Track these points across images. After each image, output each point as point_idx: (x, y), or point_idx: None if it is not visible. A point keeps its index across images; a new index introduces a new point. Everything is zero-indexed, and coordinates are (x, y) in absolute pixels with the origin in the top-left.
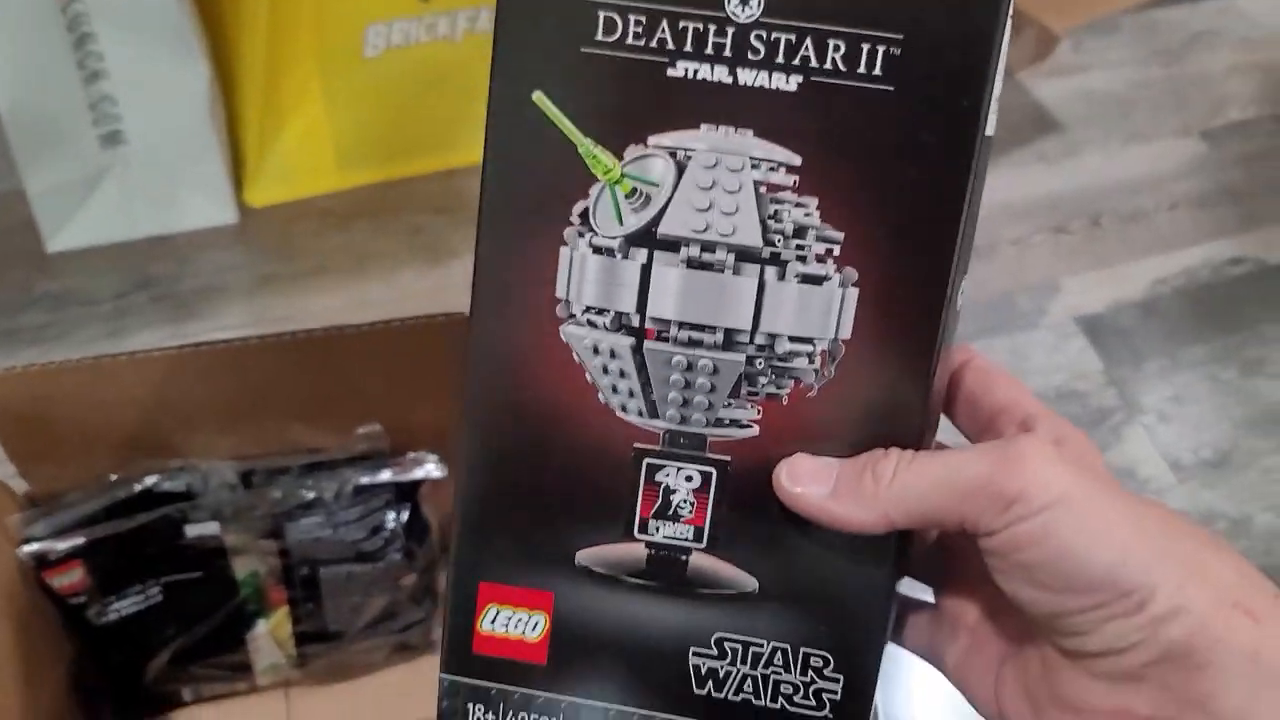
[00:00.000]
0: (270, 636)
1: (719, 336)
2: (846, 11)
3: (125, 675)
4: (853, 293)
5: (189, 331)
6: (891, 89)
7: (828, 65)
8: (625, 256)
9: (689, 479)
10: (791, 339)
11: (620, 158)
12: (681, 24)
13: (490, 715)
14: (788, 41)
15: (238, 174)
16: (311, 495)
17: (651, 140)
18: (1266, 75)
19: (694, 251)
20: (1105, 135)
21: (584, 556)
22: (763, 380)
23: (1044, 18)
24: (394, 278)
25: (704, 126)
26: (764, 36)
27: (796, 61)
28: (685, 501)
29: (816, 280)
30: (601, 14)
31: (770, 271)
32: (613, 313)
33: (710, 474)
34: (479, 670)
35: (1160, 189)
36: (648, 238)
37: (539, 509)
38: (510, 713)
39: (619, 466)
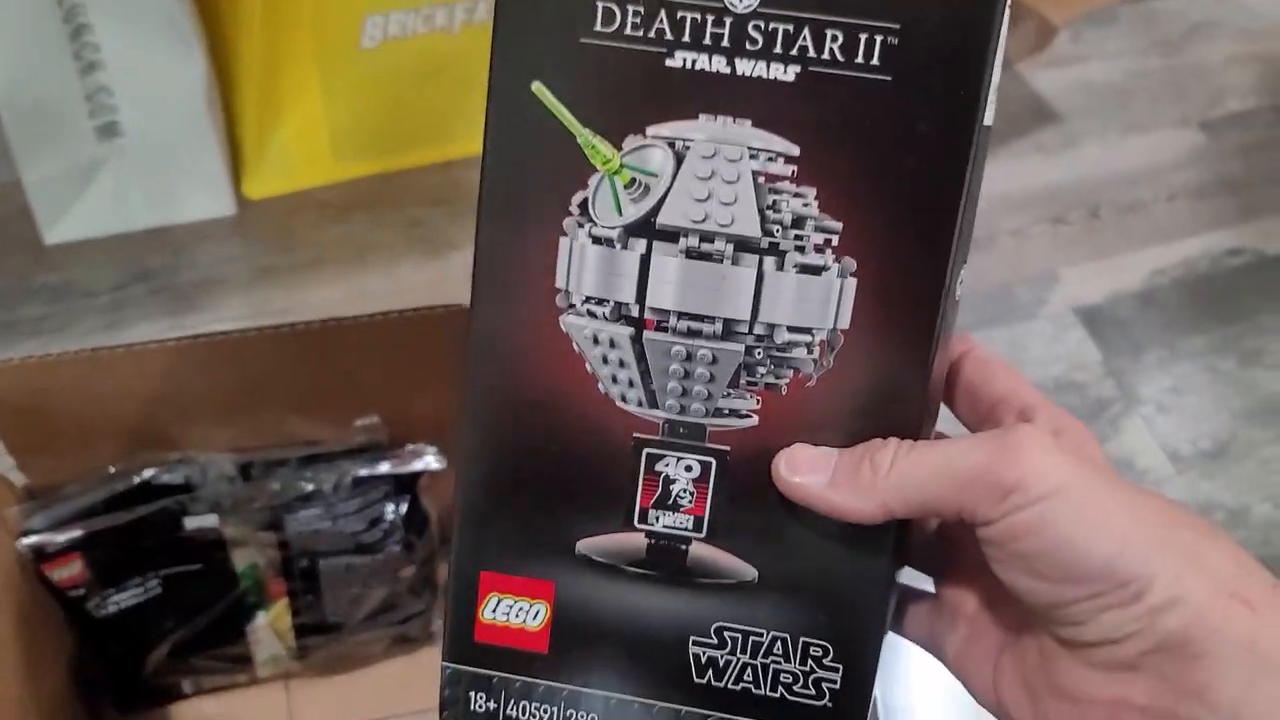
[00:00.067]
0: (270, 628)
1: (718, 326)
2: (844, 1)
3: (125, 668)
4: (851, 283)
5: (187, 324)
6: (889, 79)
7: (825, 55)
8: (624, 247)
9: (689, 469)
10: (790, 329)
11: (619, 148)
12: (680, 14)
13: (491, 703)
14: (785, 31)
15: (235, 166)
16: (310, 487)
17: (650, 130)
18: (1265, 66)
19: (693, 242)
20: (1104, 126)
21: (584, 546)
22: (762, 370)
23: (1042, 8)
24: (393, 270)
25: (702, 117)
26: (762, 26)
27: (794, 51)
28: (685, 491)
29: (815, 270)
30: (600, 4)
31: (769, 261)
32: (612, 303)
33: (710, 464)
34: (480, 658)
35: (1159, 180)
36: (647, 228)
37: (539, 498)
38: (511, 701)
39: (619, 456)
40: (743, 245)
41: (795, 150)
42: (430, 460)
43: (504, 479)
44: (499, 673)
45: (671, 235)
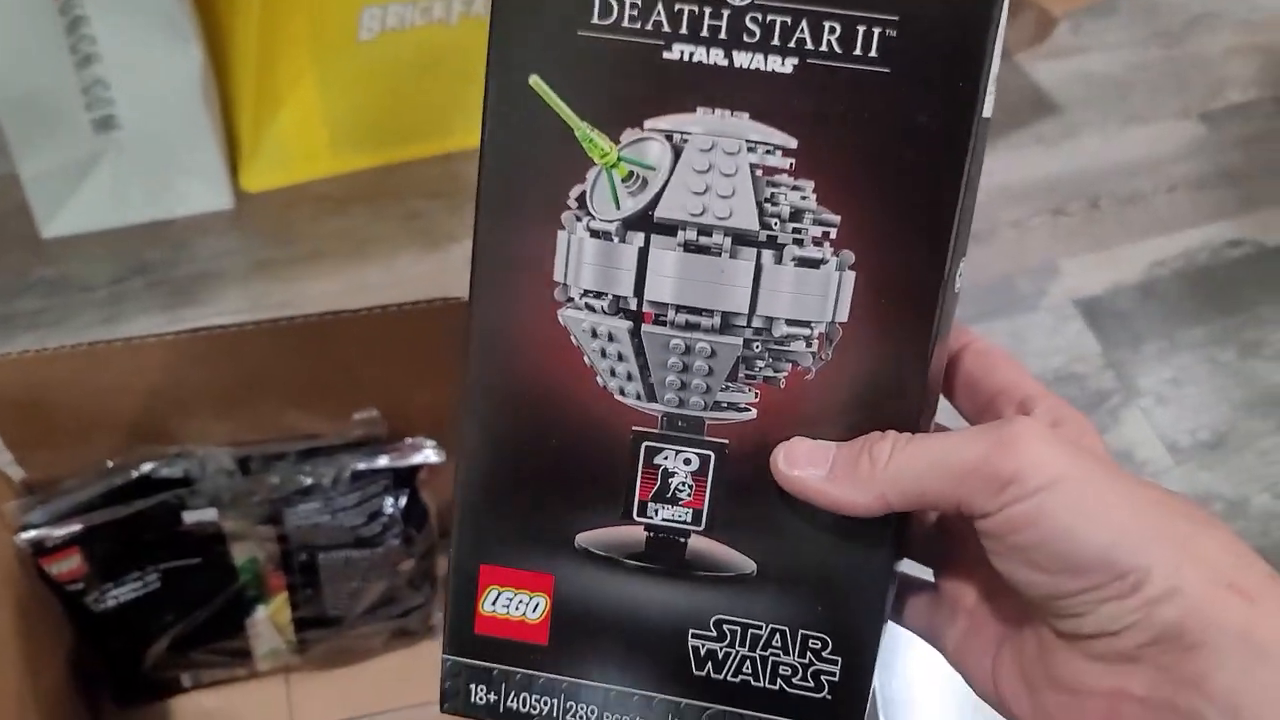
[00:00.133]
0: (270, 622)
1: (716, 320)
2: None
3: (125, 662)
4: (850, 276)
5: (185, 317)
6: (888, 71)
7: (823, 47)
8: (622, 240)
9: (687, 462)
10: (789, 322)
11: (617, 141)
12: (677, 6)
13: (492, 695)
14: (783, 23)
15: (233, 159)
16: (309, 481)
17: (648, 124)
18: (1266, 57)
19: (691, 235)
20: (1104, 117)
21: (584, 539)
22: (760, 363)
23: None
24: (391, 262)
25: (700, 109)
26: (759, 19)
27: (792, 44)
28: (684, 484)
29: (813, 263)
30: None
31: (767, 255)
32: (610, 296)
33: (708, 457)
34: (480, 651)
35: (1159, 171)
36: (645, 221)
37: (539, 492)
38: (511, 693)
39: (618, 449)
40: (741, 238)
41: (793, 143)
42: (429, 454)
43: (503, 473)
44: (499, 665)
45: (669, 228)
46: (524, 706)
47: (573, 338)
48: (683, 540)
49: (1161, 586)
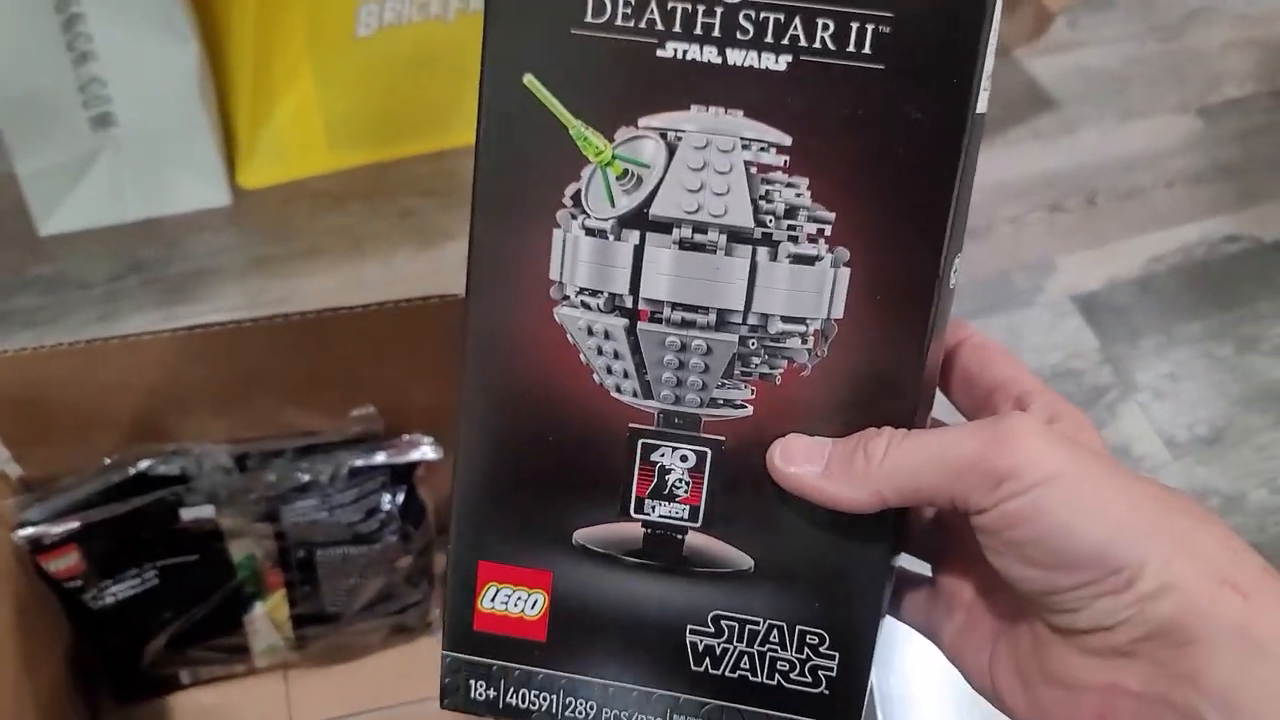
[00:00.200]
0: (268, 618)
1: (712, 317)
2: None
3: (123, 659)
4: (845, 272)
5: (182, 314)
6: (882, 67)
7: (817, 44)
8: (618, 238)
9: (684, 459)
10: (784, 319)
11: (611, 139)
12: (670, 4)
13: (491, 691)
14: (776, 21)
15: (230, 156)
16: (306, 478)
17: (642, 121)
18: (1264, 52)
19: (686, 232)
20: (1101, 112)
21: (581, 536)
22: (756, 360)
23: None
24: (388, 259)
25: (694, 107)
26: (753, 16)
27: (786, 41)
28: (681, 481)
29: (808, 260)
30: None
31: (762, 252)
32: (606, 294)
33: (705, 454)
34: (479, 647)
35: (1157, 166)
36: (640, 219)
37: (536, 489)
38: (510, 689)
39: (615, 447)
40: (736, 236)
41: (787, 140)
42: (426, 450)
43: (501, 470)
44: (498, 661)
45: (664, 226)
46: (523, 702)
47: (569, 335)
48: (680, 537)
49: (1156, 582)
